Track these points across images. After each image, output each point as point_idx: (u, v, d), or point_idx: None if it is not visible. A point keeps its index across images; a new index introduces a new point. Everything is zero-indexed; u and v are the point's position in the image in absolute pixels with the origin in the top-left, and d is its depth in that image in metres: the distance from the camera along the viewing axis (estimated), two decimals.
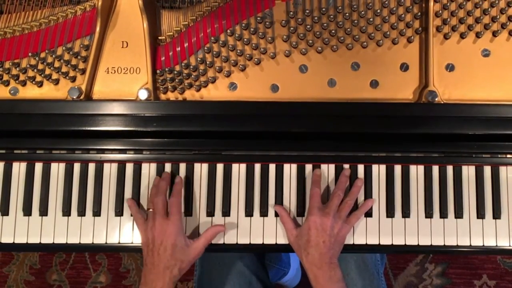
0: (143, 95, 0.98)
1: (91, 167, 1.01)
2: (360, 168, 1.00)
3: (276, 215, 0.99)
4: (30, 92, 1.01)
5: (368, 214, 0.99)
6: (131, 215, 0.99)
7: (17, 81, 1.00)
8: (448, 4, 0.99)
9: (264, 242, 0.99)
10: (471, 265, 1.74)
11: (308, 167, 1.00)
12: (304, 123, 0.97)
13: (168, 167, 1.00)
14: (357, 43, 1.00)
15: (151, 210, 0.94)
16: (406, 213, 0.99)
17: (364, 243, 0.98)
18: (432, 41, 0.98)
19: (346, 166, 1.00)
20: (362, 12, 0.99)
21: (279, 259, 1.50)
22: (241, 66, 1.00)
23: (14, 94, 1.01)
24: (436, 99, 0.97)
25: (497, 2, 0.99)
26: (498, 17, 0.99)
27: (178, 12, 1.01)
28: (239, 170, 1.01)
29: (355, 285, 1.09)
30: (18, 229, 1.00)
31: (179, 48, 1.00)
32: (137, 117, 0.96)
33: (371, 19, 0.99)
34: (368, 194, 0.99)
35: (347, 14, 0.99)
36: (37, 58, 0.99)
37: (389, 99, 0.99)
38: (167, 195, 0.96)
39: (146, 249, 0.92)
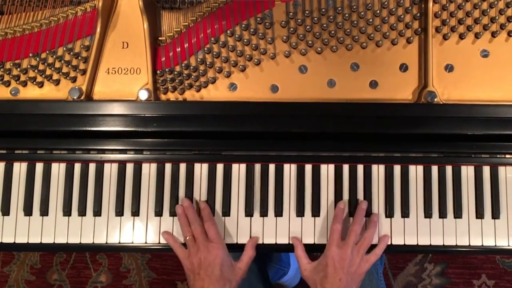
0: (143, 95, 0.98)
1: (92, 167, 1.01)
2: (360, 168, 1.00)
3: (276, 215, 0.99)
4: (31, 92, 1.01)
5: (368, 214, 0.99)
6: (132, 214, 0.99)
7: (18, 82, 1.00)
8: (447, 5, 0.99)
9: (264, 242, 0.99)
10: (470, 265, 1.74)
11: (308, 167, 1.01)
12: (303, 123, 0.97)
13: (168, 167, 1.01)
14: (356, 44, 1.00)
15: (188, 237, 0.95)
16: (405, 213, 0.99)
17: None
18: (432, 42, 0.99)
19: (346, 166, 1.00)
20: (362, 13, 0.99)
21: (278, 259, 1.51)
22: (241, 66, 1.00)
23: (15, 95, 1.01)
24: (435, 99, 0.97)
25: (496, 3, 0.99)
26: (497, 17, 0.99)
27: (178, 13, 1.01)
28: (239, 170, 1.01)
29: None
30: (19, 229, 1.00)
31: (179, 49, 1.00)
32: (137, 118, 0.97)
33: (371, 20, 0.99)
34: (367, 194, 0.99)
35: (347, 15, 0.99)
36: (37, 58, 0.99)
37: (389, 100, 1.00)
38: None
39: (192, 275, 0.93)
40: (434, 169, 1.00)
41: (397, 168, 1.00)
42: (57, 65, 1.00)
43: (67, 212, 1.00)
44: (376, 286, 1.10)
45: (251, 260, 0.96)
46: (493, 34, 1.00)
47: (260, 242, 0.99)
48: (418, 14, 0.99)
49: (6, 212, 1.00)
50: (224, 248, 0.94)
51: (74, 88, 0.98)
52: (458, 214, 0.99)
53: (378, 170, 1.00)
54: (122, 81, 1.01)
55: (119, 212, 1.00)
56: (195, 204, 1.00)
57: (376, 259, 0.95)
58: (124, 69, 1.01)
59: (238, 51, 1.00)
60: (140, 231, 1.00)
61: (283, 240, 0.99)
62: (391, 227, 0.99)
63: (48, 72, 1.00)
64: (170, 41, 1.00)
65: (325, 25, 1.00)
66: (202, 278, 0.90)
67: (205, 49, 1.00)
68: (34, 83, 1.00)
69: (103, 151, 1.01)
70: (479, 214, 0.99)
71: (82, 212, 1.00)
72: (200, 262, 0.92)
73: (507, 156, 0.99)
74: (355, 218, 0.96)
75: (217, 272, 0.90)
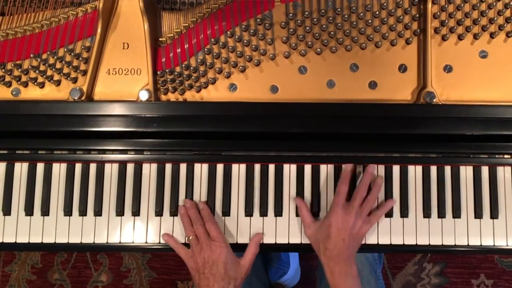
0: (144, 96, 0.98)
1: (93, 167, 1.01)
2: (359, 168, 1.01)
3: (276, 215, 1.00)
4: (32, 93, 1.02)
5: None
6: (133, 214, 0.99)
7: (19, 82, 1.01)
8: (446, 6, 1.00)
9: (264, 242, 1.00)
10: (469, 265, 1.75)
11: (308, 167, 1.01)
12: (303, 123, 0.98)
13: (168, 167, 1.01)
14: (356, 45, 1.01)
15: (192, 237, 0.96)
16: (404, 213, 0.99)
17: (363, 242, 0.99)
18: (430, 43, 0.99)
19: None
20: (361, 14, 1.00)
21: (278, 258, 1.52)
22: (241, 67, 1.01)
23: (16, 95, 1.01)
24: (434, 100, 0.98)
25: (494, 4, 0.99)
26: (495, 18, 0.99)
27: (178, 14, 1.02)
28: (239, 170, 1.01)
29: None
30: (20, 228, 1.01)
31: (179, 50, 1.01)
32: (138, 118, 0.97)
33: (370, 21, 1.00)
34: (366, 194, 0.99)
35: (346, 16, 1.00)
36: (38, 59, 1.00)
37: (388, 100, 1.00)
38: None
39: (197, 275, 0.94)
40: (433, 169, 1.00)
41: (396, 168, 1.01)
42: (58, 65, 1.00)
43: (68, 212, 1.00)
44: (375, 285, 1.11)
45: (255, 256, 0.97)
46: (492, 35, 1.00)
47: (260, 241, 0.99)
48: (417, 15, 1.00)
49: (8, 212, 1.01)
50: (227, 246, 0.95)
51: (75, 89, 0.98)
52: (456, 214, 0.99)
53: (377, 170, 1.01)
54: (123, 81, 1.01)
55: (120, 212, 1.00)
56: (198, 199, 1.01)
57: (376, 220, 0.97)
58: (125, 70, 1.01)
59: (238, 52, 1.00)
60: (140, 231, 1.00)
61: (282, 240, 1.00)
62: (390, 227, 1.00)
63: (49, 72, 1.01)
64: (171, 42, 1.01)
65: (324, 26, 1.00)
66: (207, 277, 0.91)
67: (205, 50, 1.00)
68: (35, 83, 1.01)
69: (104, 151, 1.01)
70: (478, 214, 0.99)
71: (83, 212, 1.00)
72: (204, 261, 0.93)
73: (506, 156, 1.00)
74: (361, 181, 0.97)
75: (221, 270, 0.91)
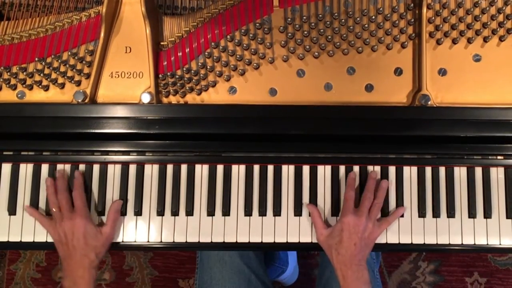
0: (146, 98, 1.00)
1: (96, 168, 1.03)
2: (356, 169, 1.02)
3: (275, 214, 1.01)
4: (36, 95, 1.03)
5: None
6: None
7: (24, 85, 1.02)
8: (441, 10, 1.02)
9: (263, 241, 1.01)
10: (463, 263, 1.76)
11: (306, 168, 1.03)
12: (301, 125, 0.99)
13: (170, 168, 1.03)
14: (352, 48, 1.03)
15: (54, 210, 0.98)
16: None
17: None
18: (425, 47, 1.01)
19: (342, 167, 1.03)
20: (358, 19, 1.02)
21: (277, 257, 1.53)
22: (240, 70, 1.02)
23: (21, 98, 1.03)
24: (429, 102, 0.99)
25: (487, 9, 1.01)
26: (488, 23, 1.01)
27: (179, 19, 1.03)
28: (238, 171, 1.03)
29: None
30: (25, 228, 1.02)
31: (180, 53, 1.02)
32: (140, 120, 0.98)
33: (366, 25, 1.02)
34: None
35: (343, 21, 1.01)
36: (43, 63, 1.01)
37: (384, 103, 1.02)
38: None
39: (60, 246, 0.96)
40: (428, 170, 1.02)
41: (392, 169, 1.02)
42: (62, 69, 1.02)
43: None
44: (372, 284, 1.12)
45: (115, 222, 0.99)
46: (485, 39, 1.02)
47: (259, 240, 1.01)
48: (412, 20, 1.02)
49: (13, 212, 1.02)
50: (87, 217, 0.97)
51: (79, 92, 1.00)
52: (451, 213, 1.01)
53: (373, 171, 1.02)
54: (125, 84, 1.02)
55: (122, 212, 1.02)
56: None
57: (387, 226, 0.98)
58: (127, 73, 1.02)
59: (238, 56, 1.02)
60: (142, 230, 1.02)
61: (281, 239, 1.01)
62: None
63: (53, 76, 1.02)
64: (172, 46, 1.03)
65: (322, 30, 1.02)
66: (68, 248, 0.94)
67: (206, 53, 1.02)
68: (40, 86, 1.02)
69: (107, 152, 1.02)
70: (472, 214, 1.01)
71: None
72: (65, 233, 0.95)
73: (499, 157, 1.01)
74: (366, 187, 0.99)
75: (81, 241, 0.94)
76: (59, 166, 1.03)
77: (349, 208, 0.96)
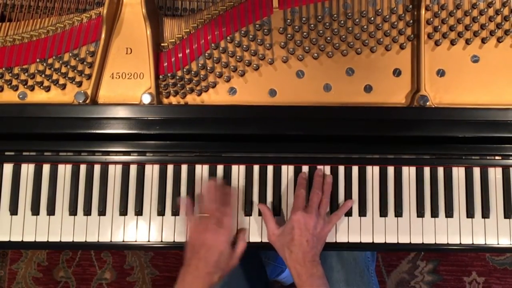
0: (146, 99, 1.00)
1: (97, 168, 1.03)
2: (355, 169, 1.03)
3: (275, 214, 1.01)
4: (38, 96, 1.03)
5: (363, 213, 1.02)
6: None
7: (25, 86, 1.03)
8: (439, 12, 1.02)
9: (262, 240, 1.02)
10: (461, 263, 1.77)
11: (305, 168, 1.03)
12: (300, 126, 0.99)
13: (170, 168, 1.03)
14: (351, 50, 1.03)
15: (204, 215, 0.96)
16: (398, 213, 1.02)
17: (359, 241, 1.01)
18: (424, 48, 1.01)
19: (341, 167, 1.04)
20: (357, 20, 1.02)
21: (276, 256, 1.53)
22: (240, 71, 1.03)
23: (23, 99, 1.03)
24: (428, 103, 1.00)
25: (485, 10, 1.02)
26: (487, 24, 1.02)
27: (180, 20, 1.04)
28: (238, 171, 1.04)
29: (342, 281, 1.11)
30: (26, 228, 1.03)
31: (181, 54, 1.03)
32: (140, 121, 0.99)
33: (365, 27, 1.02)
34: (362, 195, 1.02)
35: (342, 22, 1.02)
36: (44, 64, 1.02)
37: (382, 103, 1.02)
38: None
39: (191, 250, 0.93)
40: (426, 170, 1.03)
41: (390, 169, 1.03)
42: (63, 70, 1.02)
43: (73, 211, 1.02)
44: (368, 283, 1.12)
45: (244, 251, 0.98)
46: (483, 40, 1.02)
47: (258, 240, 1.02)
48: (411, 21, 1.02)
49: (15, 212, 1.03)
50: (230, 238, 0.95)
51: (80, 92, 1.00)
52: (449, 213, 1.01)
53: (373, 171, 1.03)
54: (126, 85, 1.03)
55: (123, 212, 1.02)
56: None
57: (337, 220, 0.99)
58: (128, 74, 1.03)
59: (238, 57, 1.03)
60: (143, 230, 1.02)
61: None
62: (385, 226, 1.02)
63: (54, 76, 1.02)
64: (172, 47, 1.03)
65: (321, 32, 1.02)
66: (199, 259, 0.91)
67: (206, 54, 1.02)
68: (41, 87, 1.03)
69: (108, 153, 1.03)
70: (470, 214, 1.01)
71: (87, 212, 1.02)
72: (203, 243, 0.92)
73: (497, 157, 1.02)
74: (313, 185, 1.00)
75: (214, 258, 0.91)
76: (60, 166, 1.03)
77: (299, 206, 0.96)
